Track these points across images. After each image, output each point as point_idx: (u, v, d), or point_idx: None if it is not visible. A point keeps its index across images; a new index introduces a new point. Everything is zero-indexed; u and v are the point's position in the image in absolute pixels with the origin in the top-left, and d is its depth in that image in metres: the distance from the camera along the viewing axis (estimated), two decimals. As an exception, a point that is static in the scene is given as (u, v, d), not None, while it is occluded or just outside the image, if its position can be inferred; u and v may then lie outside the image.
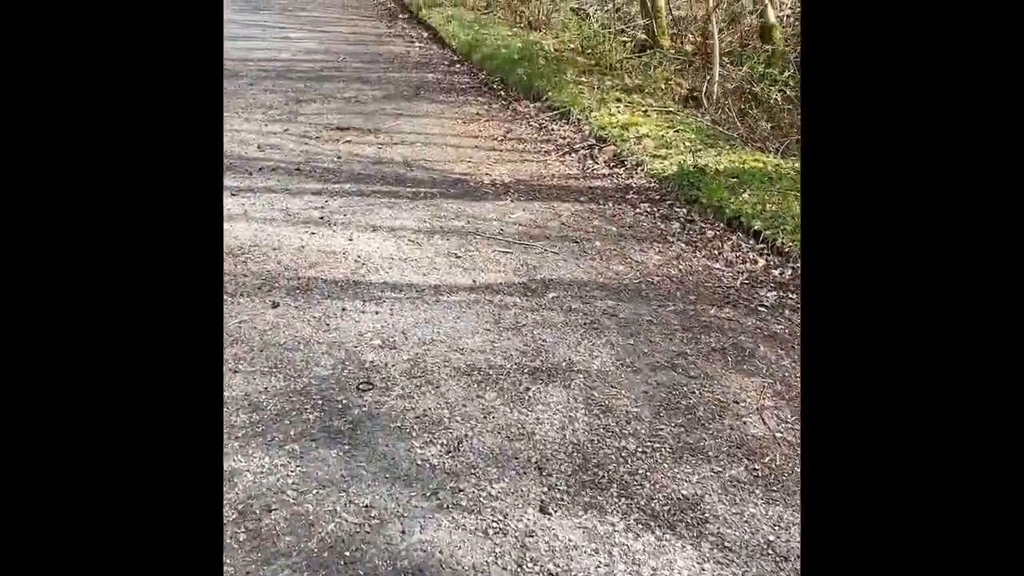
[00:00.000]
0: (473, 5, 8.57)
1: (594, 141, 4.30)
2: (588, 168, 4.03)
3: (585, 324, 2.52)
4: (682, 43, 7.08)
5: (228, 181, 3.67)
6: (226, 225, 3.18)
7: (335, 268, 2.87)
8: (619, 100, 4.83)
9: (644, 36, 6.75)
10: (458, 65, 6.19)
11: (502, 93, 5.36)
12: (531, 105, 5.05)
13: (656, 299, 2.71)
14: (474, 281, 2.80)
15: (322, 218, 3.31)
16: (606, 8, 8.23)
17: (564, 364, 2.30)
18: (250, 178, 3.73)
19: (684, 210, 3.48)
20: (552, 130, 4.60)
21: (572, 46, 6.48)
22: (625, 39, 6.64)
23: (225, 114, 4.73)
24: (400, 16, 8.57)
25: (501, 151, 4.28)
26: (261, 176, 3.76)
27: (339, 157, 4.09)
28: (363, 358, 2.29)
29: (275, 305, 2.58)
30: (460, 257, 3.00)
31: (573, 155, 4.21)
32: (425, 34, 7.44)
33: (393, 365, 2.27)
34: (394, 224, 3.28)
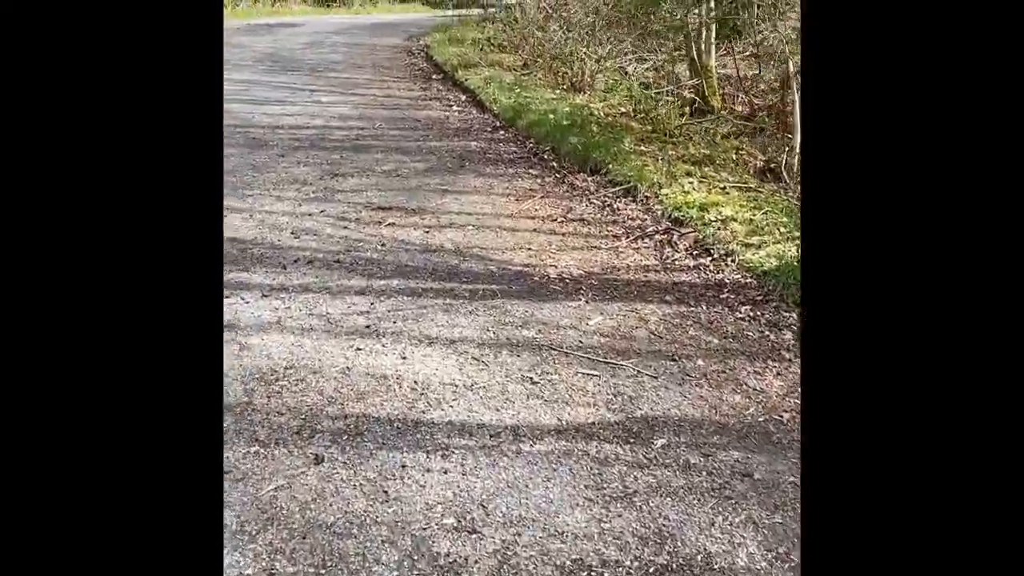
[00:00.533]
0: (510, 66, 8.22)
1: (669, 224, 3.80)
2: (668, 258, 3.53)
3: (713, 490, 1.98)
4: (734, 105, 6.64)
5: (260, 278, 3.21)
6: (258, 339, 2.70)
7: (388, 400, 2.36)
8: (689, 174, 4.34)
9: (694, 97, 6.32)
10: (502, 132, 5.77)
11: (554, 164, 4.90)
12: (589, 179, 4.58)
13: (792, 448, 2.17)
14: (560, 420, 2.28)
15: (368, 327, 2.82)
16: (646, 67, 7.85)
17: (700, 559, 1.75)
18: (284, 274, 3.26)
19: (794, 314, 2.95)
20: (618, 209, 4.11)
21: (623, 110, 6.05)
22: (669, 97, 6.21)
23: (256, 192, 4.30)
24: (434, 77, 8.23)
25: (564, 235, 3.79)
26: (296, 271, 3.29)
27: (383, 244, 3.62)
28: (436, 549, 1.76)
29: (318, 460, 2.06)
30: (537, 383, 2.48)
31: (647, 241, 3.70)
32: (463, 97, 7.06)
33: (476, 561, 1.73)
34: (452, 334, 2.78)
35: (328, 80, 8.01)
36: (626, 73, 7.42)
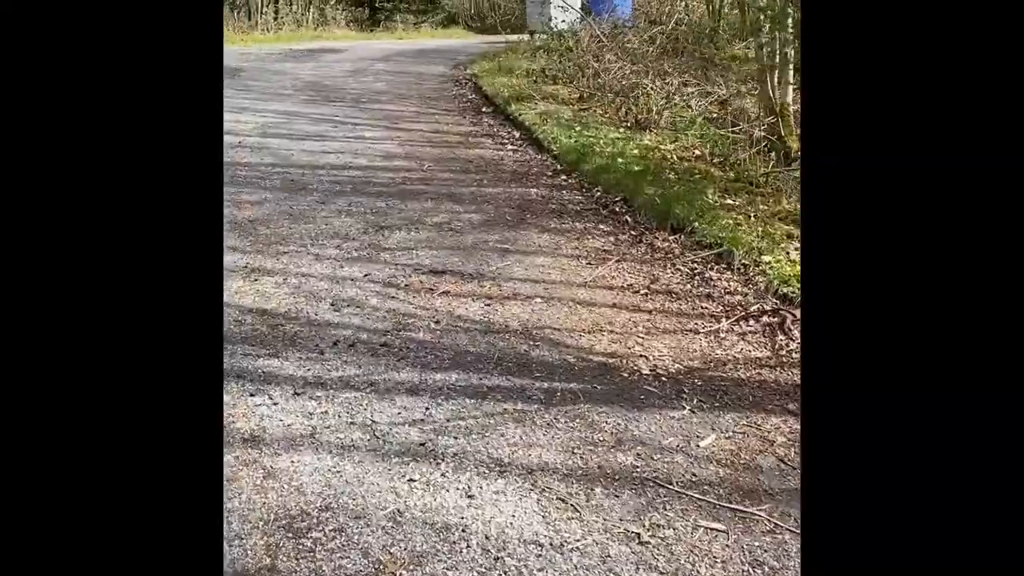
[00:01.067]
0: (565, 99, 7.69)
1: (777, 302, 3.19)
2: (781, 348, 2.91)
3: None
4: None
5: (292, 367, 2.67)
6: (287, 461, 2.15)
7: (453, 569, 1.78)
8: (791, 236, 3.73)
9: (768, 138, 5.70)
10: (564, 177, 5.20)
11: (629, 219, 4.31)
12: (671, 239, 3.98)
13: None
14: (688, 613, 1.68)
15: (424, 445, 2.25)
16: (709, 100, 7.26)
17: None
18: (322, 361, 2.71)
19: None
20: (712, 280, 3.50)
21: (697, 153, 5.46)
22: (739, 135, 5.61)
23: (292, 247, 3.78)
24: (484, 110, 7.73)
25: (650, 313, 3.20)
26: (336, 357, 2.75)
27: (437, 322, 3.06)
28: None
29: None
30: (647, 542, 1.89)
31: (753, 324, 3.09)
32: (517, 134, 6.53)
33: None
34: (529, 458, 2.20)
35: (372, 113, 7.55)
36: (688, 107, 6.84)
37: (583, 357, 2.81)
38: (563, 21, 12.24)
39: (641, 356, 2.84)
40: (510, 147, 6.11)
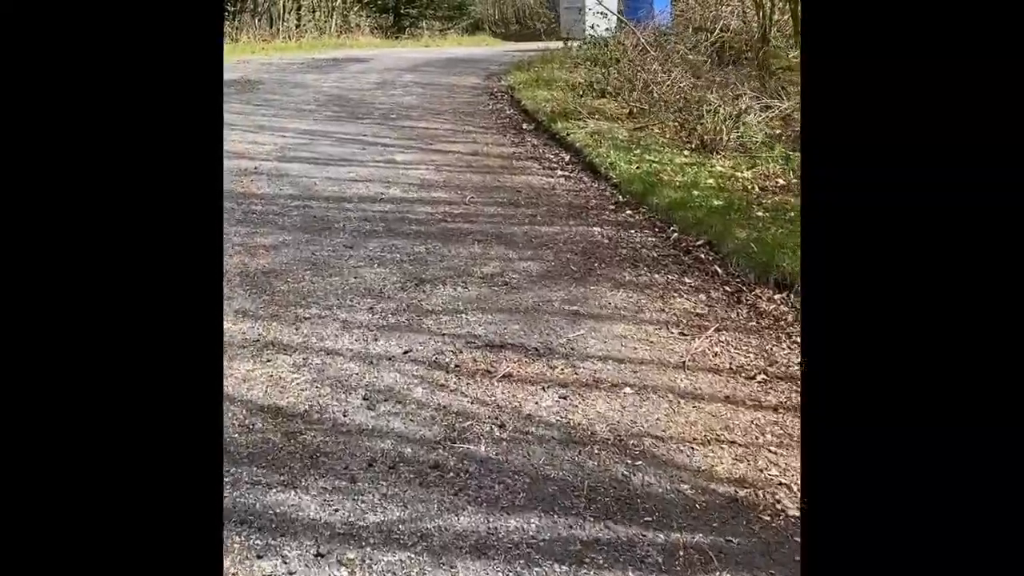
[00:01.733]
0: (614, 115, 6.97)
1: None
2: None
3: None
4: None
5: (314, 506, 1.97)
6: None
7: None
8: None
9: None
10: (629, 212, 4.47)
11: (719, 270, 3.57)
12: (778, 299, 3.23)
13: None
14: None
15: (505, 658, 1.54)
16: (771, 115, 6.51)
17: None
18: (354, 494, 2.01)
19: None
20: (845, 362, 2.77)
21: (781, 181, 4.71)
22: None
23: (314, 311, 3.11)
24: (526, 128, 7.02)
25: (776, 411, 2.46)
26: (372, 488, 2.04)
27: (501, 426, 2.35)
28: None
29: None
30: None
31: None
32: (566, 156, 5.81)
33: None
34: None
35: (403, 131, 6.87)
36: (748, 124, 6.10)
37: (703, 486, 2.09)
38: (602, 28, 11.53)
39: (780, 484, 2.11)
40: (561, 173, 5.40)
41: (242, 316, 3.07)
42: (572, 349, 2.84)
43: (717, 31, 10.21)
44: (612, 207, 4.54)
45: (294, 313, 3.11)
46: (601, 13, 11.21)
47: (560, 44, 14.60)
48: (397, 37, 21.41)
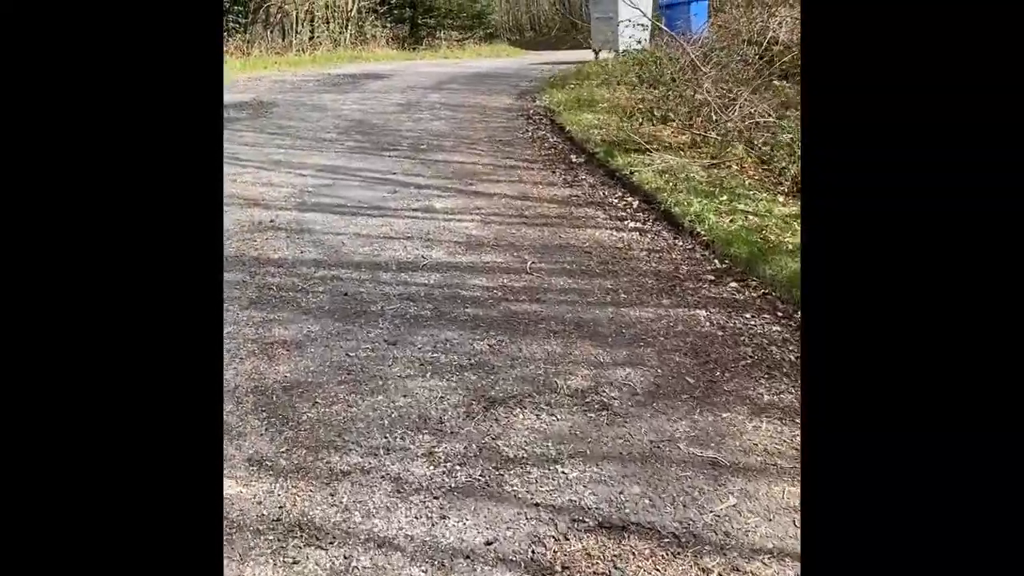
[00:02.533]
0: (674, 143, 6.12)
1: None
2: None
3: None
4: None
5: None
6: None
7: None
8: None
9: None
10: (735, 283, 3.60)
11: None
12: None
13: None
14: None
15: None
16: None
17: None
18: None
19: None
20: None
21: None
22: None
23: (353, 457, 2.28)
24: (575, 161, 6.18)
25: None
26: None
27: None
28: None
29: None
30: None
31: None
32: (633, 202, 4.94)
33: None
34: None
35: (437, 168, 6.04)
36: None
37: None
38: (636, 39, 10.68)
39: None
40: (632, 225, 4.54)
41: (257, 469, 2.24)
42: (726, 534, 1.99)
43: (766, 43, 9.37)
44: (711, 277, 3.68)
45: (327, 463, 2.27)
46: (641, 25, 10.37)
47: (590, 55, 13.77)
48: (414, 48, 20.65)
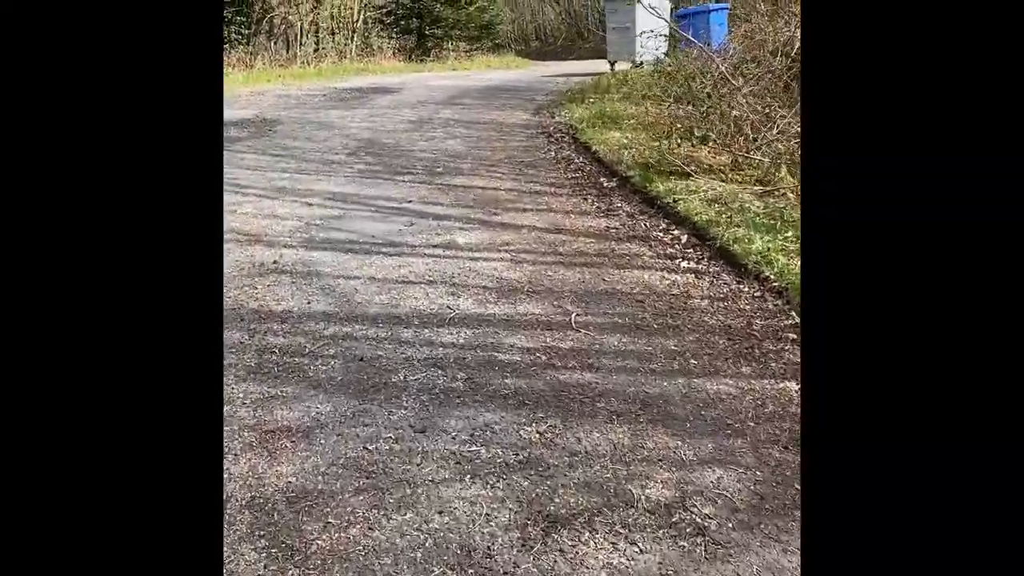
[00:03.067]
0: (713, 165, 5.57)
1: None
2: None
3: None
4: None
5: None
6: None
7: None
8: None
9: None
10: (823, 345, 3.06)
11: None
12: None
13: None
14: None
15: None
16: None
17: None
18: None
19: None
20: None
21: None
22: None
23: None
24: (607, 186, 5.63)
25: None
26: None
27: None
28: None
29: None
30: None
31: None
32: (682, 237, 4.38)
33: None
34: None
35: (457, 194, 5.49)
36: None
37: None
38: (655, 51, 10.15)
39: None
40: (685, 265, 3.98)
41: (252, 634, 1.68)
42: None
43: (793, 55, 8.83)
44: (792, 335, 3.11)
45: (345, 626, 1.71)
46: (663, 35, 9.83)
47: (601, 66, 13.25)
48: (422, 60, 20.16)
